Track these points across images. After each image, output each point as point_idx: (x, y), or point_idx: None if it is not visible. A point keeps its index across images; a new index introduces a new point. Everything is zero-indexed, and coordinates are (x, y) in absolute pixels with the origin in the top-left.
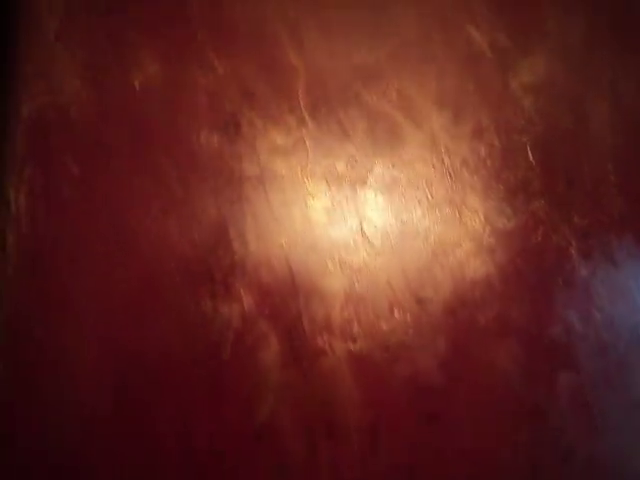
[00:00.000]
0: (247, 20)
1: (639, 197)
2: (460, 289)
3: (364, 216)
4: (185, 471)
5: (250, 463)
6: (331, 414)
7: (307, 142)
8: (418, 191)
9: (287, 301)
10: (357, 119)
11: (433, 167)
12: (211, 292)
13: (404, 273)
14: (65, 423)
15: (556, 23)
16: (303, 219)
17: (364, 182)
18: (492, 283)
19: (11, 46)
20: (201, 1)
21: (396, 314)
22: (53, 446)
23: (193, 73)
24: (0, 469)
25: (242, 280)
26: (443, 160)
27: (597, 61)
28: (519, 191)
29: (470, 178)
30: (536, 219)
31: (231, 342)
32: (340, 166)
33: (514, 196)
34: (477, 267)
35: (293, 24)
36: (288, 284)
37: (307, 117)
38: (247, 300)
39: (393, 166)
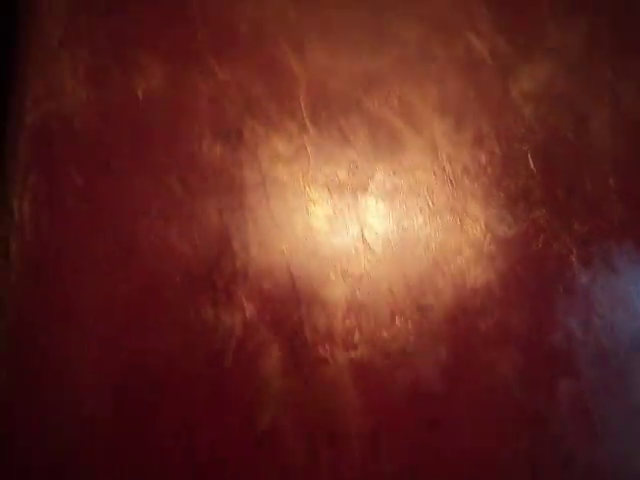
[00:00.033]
0: (248, 26)
1: (639, 204)
2: (461, 296)
3: (365, 223)
4: (187, 478)
5: (252, 469)
6: (332, 421)
7: (308, 149)
8: (419, 198)
9: (289, 309)
10: (358, 126)
11: (434, 174)
12: (213, 300)
13: (405, 280)
14: (66, 428)
15: (556, 29)
16: (304, 226)
17: (365, 189)
18: (493, 290)
19: (15, 53)
20: (202, 7)
21: (397, 321)
22: (54, 450)
23: (195, 80)
24: (3, 471)
25: (244, 288)
26: (444, 167)
27: (597, 68)
28: (520, 199)
29: (471, 186)
30: (537, 227)
31: (233, 350)
32: (341, 173)
33: (515, 204)
34: (478, 274)
35: (294, 31)
36: (290, 292)
37: (308, 124)
38: (249, 308)
39: (394, 173)
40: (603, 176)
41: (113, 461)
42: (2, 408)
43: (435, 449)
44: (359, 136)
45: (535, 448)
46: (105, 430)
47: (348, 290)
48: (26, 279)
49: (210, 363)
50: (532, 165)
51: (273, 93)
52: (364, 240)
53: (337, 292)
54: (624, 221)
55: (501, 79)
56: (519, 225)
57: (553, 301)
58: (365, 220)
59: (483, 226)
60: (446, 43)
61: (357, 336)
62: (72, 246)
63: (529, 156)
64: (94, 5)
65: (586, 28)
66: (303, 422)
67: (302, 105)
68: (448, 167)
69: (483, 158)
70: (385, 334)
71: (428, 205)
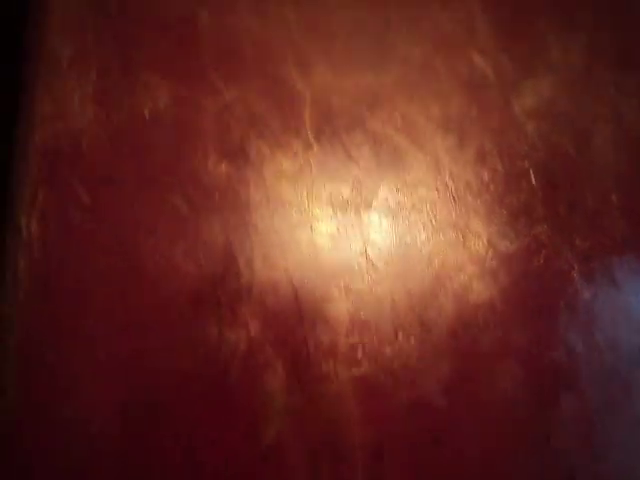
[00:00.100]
0: (253, 46)
1: None
2: (463, 312)
3: (368, 240)
4: None
5: None
6: (335, 437)
7: (313, 166)
8: (422, 215)
9: (292, 326)
10: (362, 143)
11: (437, 191)
12: (217, 317)
13: (408, 297)
14: (74, 446)
15: (558, 47)
16: (308, 244)
17: (369, 206)
18: (495, 306)
19: (24, 73)
20: (209, 27)
21: (400, 338)
22: (62, 466)
23: (201, 99)
24: None
25: (248, 305)
26: (447, 184)
27: (599, 84)
28: (521, 215)
29: (473, 202)
30: (538, 242)
31: (237, 367)
32: (345, 190)
33: (517, 220)
34: (480, 290)
35: (299, 50)
36: (293, 309)
37: (313, 141)
38: (253, 325)
39: (397, 190)
40: (605, 192)
41: (118, 474)
42: (10, 425)
43: (438, 464)
44: (363, 153)
45: (538, 463)
46: (112, 447)
47: (351, 306)
48: (34, 296)
49: (215, 380)
50: (534, 181)
51: (278, 111)
52: (367, 256)
53: (340, 309)
54: (626, 237)
55: (504, 96)
56: (521, 241)
57: (555, 316)
58: (368, 237)
59: (485, 242)
60: (449, 61)
61: (360, 352)
62: (79, 264)
63: (531, 172)
64: (103, 26)
65: (587, 45)
66: (307, 438)
67: (306, 123)
68: (451, 184)
69: (485, 175)
70: (388, 350)
71: (431, 221)
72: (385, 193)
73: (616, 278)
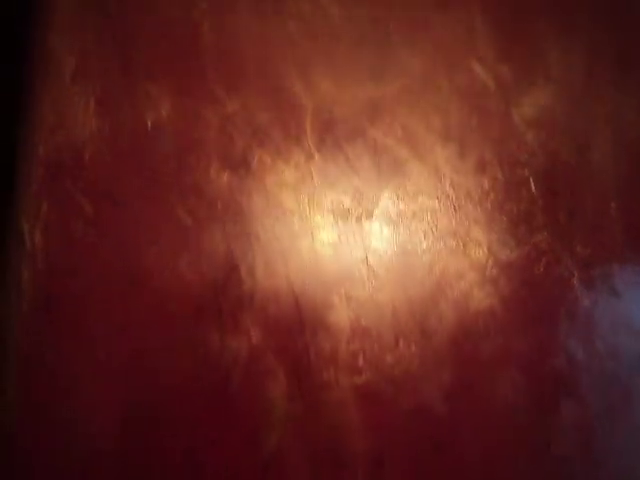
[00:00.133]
0: (256, 57)
1: None
2: (464, 320)
3: (370, 248)
4: None
5: None
6: (336, 444)
7: (314, 176)
8: (423, 223)
9: (294, 334)
10: (363, 153)
11: (438, 200)
12: (219, 326)
13: (409, 305)
14: (74, 455)
15: (558, 56)
16: (310, 252)
17: (370, 215)
18: (496, 314)
19: (28, 86)
20: (212, 39)
21: (401, 346)
22: (62, 466)
23: (203, 111)
24: None
25: (250, 313)
26: (447, 193)
27: (599, 93)
28: (522, 223)
29: (474, 210)
30: (539, 250)
31: (238, 375)
32: (346, 199)
33: (517, 228)
34: (481, 298)
35: (301, 61)
36: (295, 317)
37: (314, 151)
38: (254, 333)
39: (398, 199)
40: (605, 199)
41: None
42: (10, 425)
43: (439, 471)
44: (364, 163)
45: (538, 470)
46: (112, 455)
47: (352, 315)
48: (37, 307)
49: (216, 387)
50: (534, 189)
51: (280, 121)
52: (368, 265)
53: (341, 317)
54: (625, 244)
55: (504, 106)
56: (521, 249)
57: (555, 324)
58: (369, 245)
59: (486, 250)
60: (450, 71)
61: (361, 360)
62: (82, 275)
63: (531, 181)
64: (106, 38)
65: (586, 54)
66: (308, 445)
67: (308, 133)
68: (451, 192)
69: (486, 183)
70: (389, 358)
71: (432, 230)
72: (386, 202)
73: (616, 285)
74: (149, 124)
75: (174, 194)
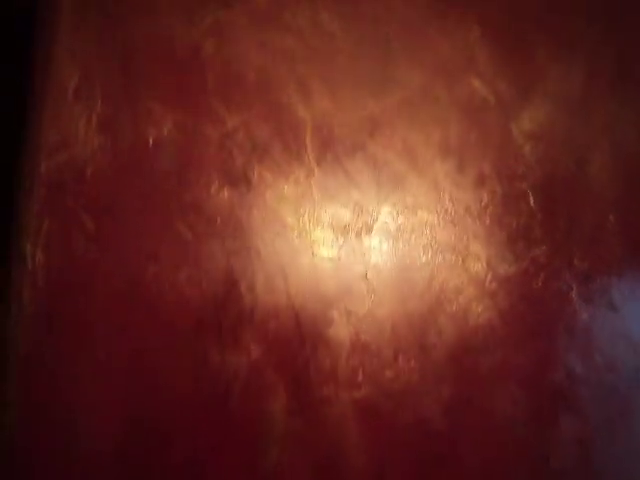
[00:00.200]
0: (256, 73)
1: (639, 240)
2: (463, 335)
3: (369, 263)
4: None
5: None
6: (336, 460)
7: (314, 192)
8: (422, 238)
9: (293, 350)
10: (363, 168)
11: (437, 214)
12: (219, 342)
13: (408, 319)
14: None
15: (556, 70)
16: (310, 268)
17: (369, 230)
18: (494, 328)
19: (30, 103)
20: (212, 56)
21: (400, 360)
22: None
23: (204, 127)
24: None
25: (250, 329)
26: (446, 207)
27: (597, 108)
28: (520, 237)
29: (473, 225)
30: (537, 264)
31: (238, 391)
32: (346, 214)
33: (515, 242)
34: (480, 313)
35: (300, 76)
36: (294, 332)
37: (314, 167)
38: (254, 349)
39: (398, 214)
40: (603, 213)
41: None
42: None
43: None
44: (364, 178)
45: None
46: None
47: (352, 330)
48: (38, 325)
49: (216, 403)
50: (532, 203)
51: (279, 137)
52: (368, 280)
53: (341, 332)
54: (624, 257)
55: (503, 120)
56: (520, 263)
57: (554, 338)
58: (369, 260)
59: (485, 264)
60: (449, 86)
61: (361, 376)
62: (83, 292)
63: (530, 194)
64: (108, 56)
65: (585, 68)
66: (308, 461)
67: (308, 148)
68: (450, 207)
69: (485, 197)
70: (388, 373)
71: (431, 244)
72: (385, 216)
73: (614, 299)
74: (150, 141)
75: (175, 210)
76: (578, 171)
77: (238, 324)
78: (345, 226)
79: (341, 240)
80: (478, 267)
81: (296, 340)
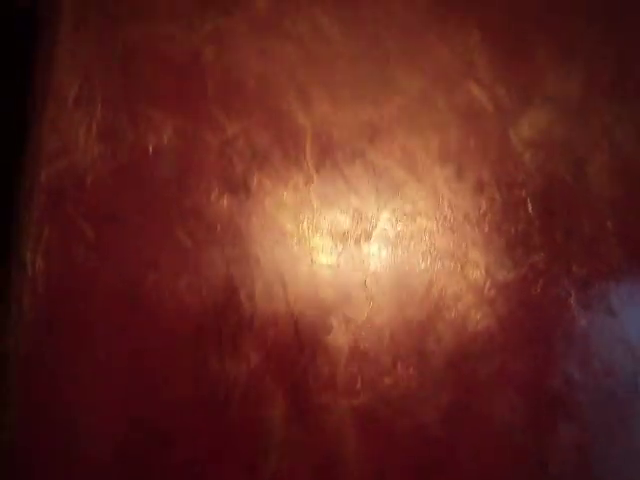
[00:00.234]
0: (255, 80)
1: (637, 246)
2: (462, 342)
3: (368, 271)
4: None
5: None
6: (335, 468)
7: (313, 199)
8: (421, 245)
9: (292, 357)
10: (362, 175)
11: (436, 221)
12: (219, 350)
13: (407, 326)
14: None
15: (554, 77)
16: (309, 275)
17: (369, 237)
18: (493, 335)
19: (31, 111)
20: (212, 63)
21: (399, 368)
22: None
23: (204, 134)
24: None
25: (249, 337)
26: (446, 214)
27: (595, 113)
28: (519, 244)
29: (472, 232)
30: (536, 271)
31: (237, 398)
32: (345, 221)
33: (514, 249)
34: (478, 320)
35: (300, 84)
36: (293, 340)
37: (314, 174)
38: (253, 357)
39: (397, 221)
40: (601, 219)
41: None
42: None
43: None
44: (363, 185)
45: None
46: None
47: (351, 337)
48: (38, 332)
49: (215, 411)
50: (531, 210)
51: (279, 144)
52: (367, 287)
53: (340, 339)
54: (622, 263)
55: (501, 127)
56: (518, 270)
57: (553, 345)
58: (368, 267)
59: (483, 271)
60: (448, 93)
61: (359, 383)
62: (83, 299)
63: (528, 201)
64: (108, 63)
65: (584, 75)
66: (306, 468)
67: (307, 155)
68: (449, 214)
69: (484, 204)
70: (387, 381)
71: (430, 251)
72: (384, 223)
73: (612, 304)
74: (150, 148)
75: (174, 217)
76: (576, 178)
77: (238, 331)
78: (344, 233)
79: (340, 247)
80: (477, 274)
81: (295, 347)
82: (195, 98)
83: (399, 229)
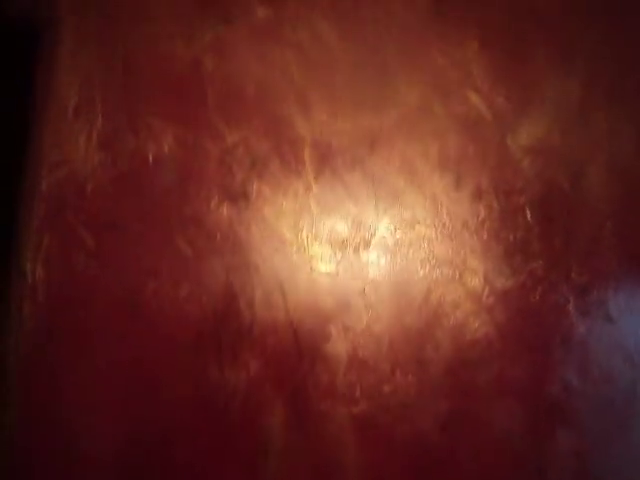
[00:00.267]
0: (255, 88)
1: (635, 253)
2: (460, 349)
3: (367, 278)
4: None
5: None
6: (334, 474)
7: (312, 206)
8: (420, 252)
9: (292, 365)
10: (361, 183)
11: (435, 228)
12: (218, 358)
13: (405, 334)
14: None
15: (552, 85)
16: (308, 283)
17: (367, 245)
18: (492, 343)
19: (31, 121)
20: (212, 72)
21: (398, 376)
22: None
23: (204, 143)
24: None
25: (248, 345)
26: (444, 222)
27: (593, 120)
28: (517, 251)
29: (470, 239)
30: (534, 278)
31: (237, 406)
32: (344, 229)
33: (512, 256)
34: (477, 327)
35: (300, 92)
36: (293, 348)
37: (313, 182)
38: (253, 365)
39: (396, 228)
40: (599, 225)
41: None
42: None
43: None
44: (362, 192)
45: None
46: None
47: (350, 345)
48: (38, 339)
49: (215, 419)
50: (529, 217)
51: (279, 153)
52: (366, 295)
53: (339, 348)
54: (620, 269)
55: (500, 135)
56: (517, 277)
57: (551, 352)
58: (367, 275)
59: (482, 279)
60: (446, 101)
61: (358, 391)
62: (83, 306)
63: (527, 208)
64: (109, 72)
65: (582, 81)
66: (306, 475)
67: (307, 164)
68: (448, 221)
69: (482, 212)
70: (386, 388)
71: (428, 259)
72: (383, 231)
73: (611, 311)
74: (150, 157)
75: (174, 225)
76: (574, 185)
77: (237, 340)
78: (343, 241)
79: (339, 255)
80: (475, 281)
81: (294, 355)
82: (195, 106)
83: (398, 237)
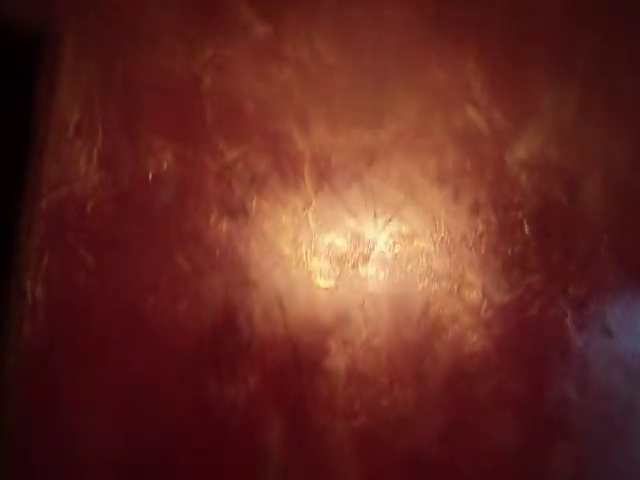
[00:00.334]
0: (254, 104)
1: (632, 266)
2: (458, 363)
3: (366, 293)
4: None
5: None
6: None
7: (312, 222)
8: (418, 267)
9: (291, 380)
10: (360, 199)
11: (433, 243)
12: (217, 374)
13: (404, 348)
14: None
15: (550, 101)
16: (307, 298)
17: (366, 260)
18: (490, 356)
19: (32, 141)
20: (212, 90)
21: (397, 389)
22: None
23: (203, 160)
24: None
25: (247, 361)
26: (443, 236)
27: (589, 135)
28: (515, 265)
29: (469, 253)
30: (532, 292)
31: (236, 421)
32: (343, 245)
33: (510, 270)
34: (475, 341)
35: (299, 109)
36: (292, 363)
37: (312, 198)
38: (252, 381)
39: (395, 243)
40: (596, 239)
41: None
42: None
43: None
44: (361, 208)
45: None
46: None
47: (348, 360)
48: (38, 358)
49: (214, 434)
50: (527, 231)
51: (278, 169)
52: (364, 310)
53: (338, 362)
54: (617, 284)
55: (498, 149)
56: (515, 291)
57: (549, 365)
58: (366, 290)
59: (480, 293)
60: (444, 116)
61: (357, 405)
62: (82, 324)
63: (525, 223)
64: (109, 91)
65: (578, 98)
66: None
67: (306, 179)
68: (446, 236)
69: (480, 226)
70: (385, 402)
71: (427, 273)
72: (382, 246)
73: (609, 324)
74: (150, 175)
75: (174, 241)
76: (571, 199)
77: (236, 354)
78: (342, 256)
79: (338, 270)
80: (473, 295)
81: (293, 370)
82: (194, 124)
83: (397, 251)
